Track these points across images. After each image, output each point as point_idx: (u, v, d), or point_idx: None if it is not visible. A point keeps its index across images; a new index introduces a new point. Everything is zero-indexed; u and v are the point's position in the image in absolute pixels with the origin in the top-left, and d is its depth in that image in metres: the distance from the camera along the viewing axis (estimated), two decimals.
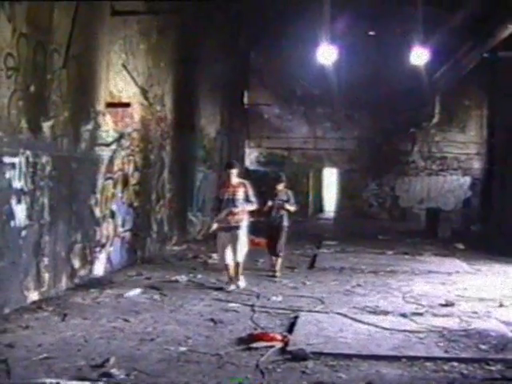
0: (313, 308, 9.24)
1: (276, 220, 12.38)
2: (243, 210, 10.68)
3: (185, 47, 16.70)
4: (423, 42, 16.57)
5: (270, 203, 12.25)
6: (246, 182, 10.97)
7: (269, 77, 27.39)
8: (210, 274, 12.01)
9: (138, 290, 10.23)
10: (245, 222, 10.74)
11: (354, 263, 13.97)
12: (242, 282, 10.72)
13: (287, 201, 12.43)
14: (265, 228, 12.71)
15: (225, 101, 22.65)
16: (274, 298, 9.99)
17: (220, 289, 10.46)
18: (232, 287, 10.53)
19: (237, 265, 10.65)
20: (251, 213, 11.03)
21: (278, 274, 12.14)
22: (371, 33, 23.17)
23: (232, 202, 10.58)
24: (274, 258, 12.43)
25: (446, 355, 6.80)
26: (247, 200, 10.68)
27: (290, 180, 23.73)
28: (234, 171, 10.77)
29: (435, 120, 26.91)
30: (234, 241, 10.57)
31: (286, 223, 12.45)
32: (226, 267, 10.77)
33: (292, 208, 12.52)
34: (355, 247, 17.08)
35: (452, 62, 21.77)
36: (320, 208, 31.27)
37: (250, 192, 10.74)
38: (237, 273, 10.68)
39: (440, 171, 27.79)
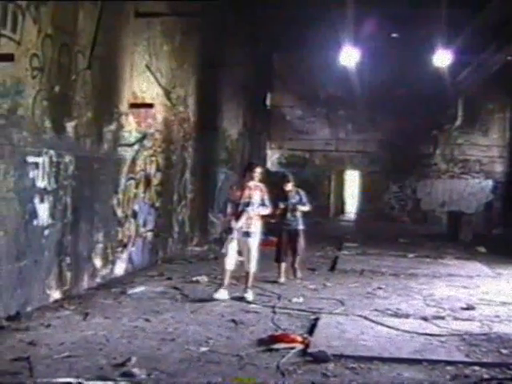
0: (333, 310, 9.22)
1: (292, 224, 12.03)
2: (258, 214, 10.15)
3: (208, 49, 16.72)
4: (446, 44, 16.49)
5: (281, 205, 11.78)
6: (262, 185, 10.40)
7: (292, 79, 27.41)
8: None
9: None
10: (258, 229, 10.21)
11: (374, 266, 13.92)
12: (249, 295, 9.91)
13: (299, 201, 12.04)
14: (278, 229, 12.22)
15: (247, 102, 22.71)
16: (294, 299, 9.97)
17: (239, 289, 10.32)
18: (219, 294, 9.80)
19: (247, 274, 10.13)
20: (265, 217, 10.61)
21: (298, 274, 12.08)
22: (394, 35, 23.04)
23: (248, 206, 10.02)
24: (281, 264, 11.91)
25: (467, 359, 6.76)
26: (262, 204, 10.20)
27: (310, 181, 23.91)
28: (259, 170, 10.34)
29: (458, 123, 26.77)
30: (245, 249, 10.08)
31: (301, 227, 12.13)
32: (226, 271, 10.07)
33: (305, 208, 12.10)
34: (376, 250, 17.00)
35: (475, 65, 21.63)
36: (341, 210, 31.27)
37: (266, 196, 10.29)
38: (246, 283, 10.08)
39: (462, 174, 27.63)
